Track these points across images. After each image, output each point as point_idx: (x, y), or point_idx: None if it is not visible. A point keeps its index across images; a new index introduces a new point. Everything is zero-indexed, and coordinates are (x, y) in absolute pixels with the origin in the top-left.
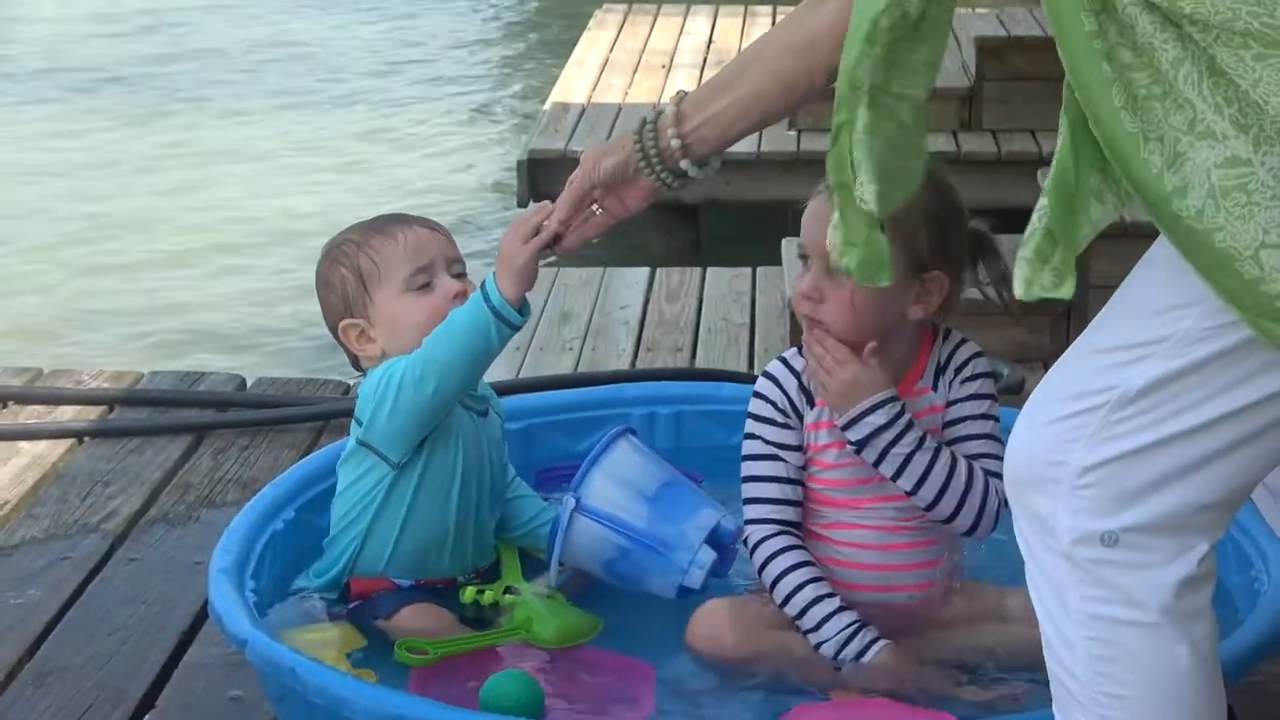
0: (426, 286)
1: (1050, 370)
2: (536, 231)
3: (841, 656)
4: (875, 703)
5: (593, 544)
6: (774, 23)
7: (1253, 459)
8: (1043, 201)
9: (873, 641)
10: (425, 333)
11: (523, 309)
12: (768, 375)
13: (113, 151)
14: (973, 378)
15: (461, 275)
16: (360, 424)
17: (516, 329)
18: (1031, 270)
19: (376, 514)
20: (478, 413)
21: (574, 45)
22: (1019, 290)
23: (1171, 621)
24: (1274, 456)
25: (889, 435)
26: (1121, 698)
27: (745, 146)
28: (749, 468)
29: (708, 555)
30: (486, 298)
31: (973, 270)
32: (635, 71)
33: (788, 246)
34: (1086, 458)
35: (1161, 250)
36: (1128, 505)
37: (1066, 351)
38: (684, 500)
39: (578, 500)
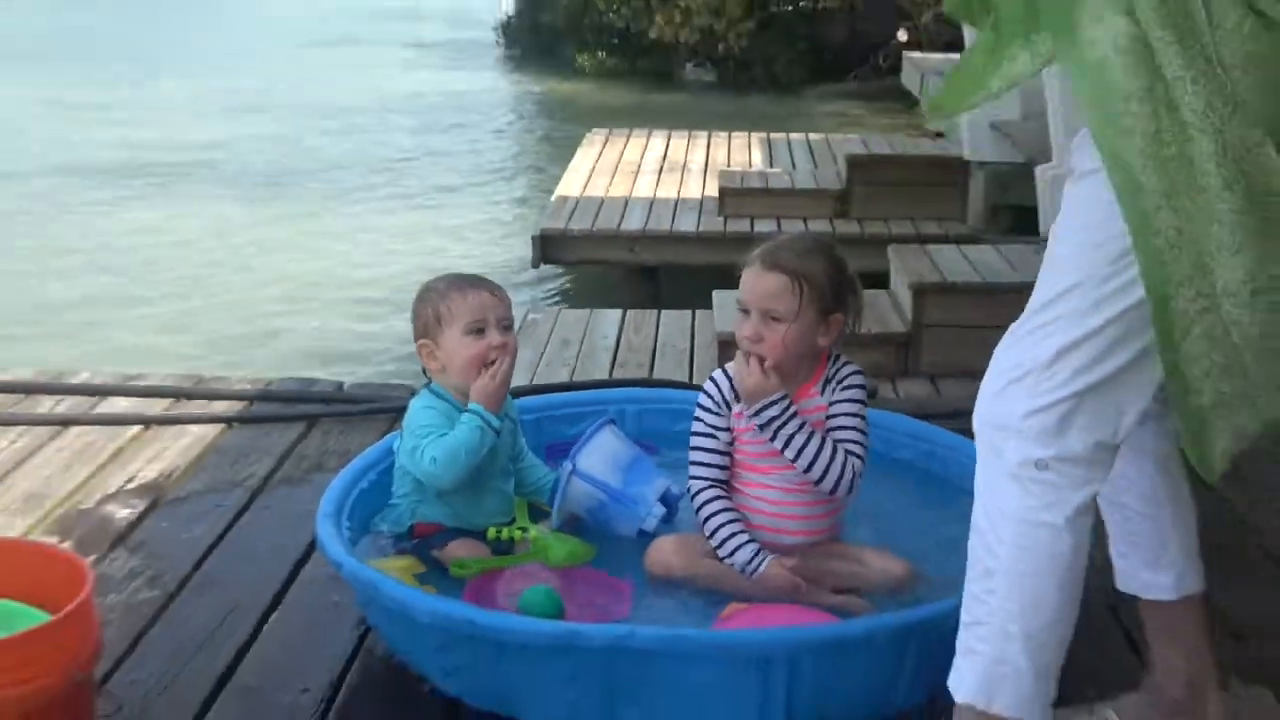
0: (479, 333)
1: (996, 350)
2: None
3: (745, 570)
4: (780, 607)
5: (582, 497)
6: (709, 145)
7: (1132, 397)
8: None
9: (766, 558)
10: (470, 365)
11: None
12: (711, 380)
13: (250, 228)
14: (848, 388)
15: (509, 328)
16: (400, 444)
17: (498, 432)
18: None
19: (418, 488)
20: None
21: (569, 159)
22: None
23: (1070, 529)
24: (1146, 391)
25: (779, 421)
26: (1024, 574)
27: (688, 227)
28: (694, 440)
29: (660, 509)
30: (486, 422)
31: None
32: (614, 175)
33: (718, 296)
34: (1026, 406)
35: (1057, 244)
36: (1054, 441)
37: (1006, 332)
38: (645, 471)
39: (574, 467)
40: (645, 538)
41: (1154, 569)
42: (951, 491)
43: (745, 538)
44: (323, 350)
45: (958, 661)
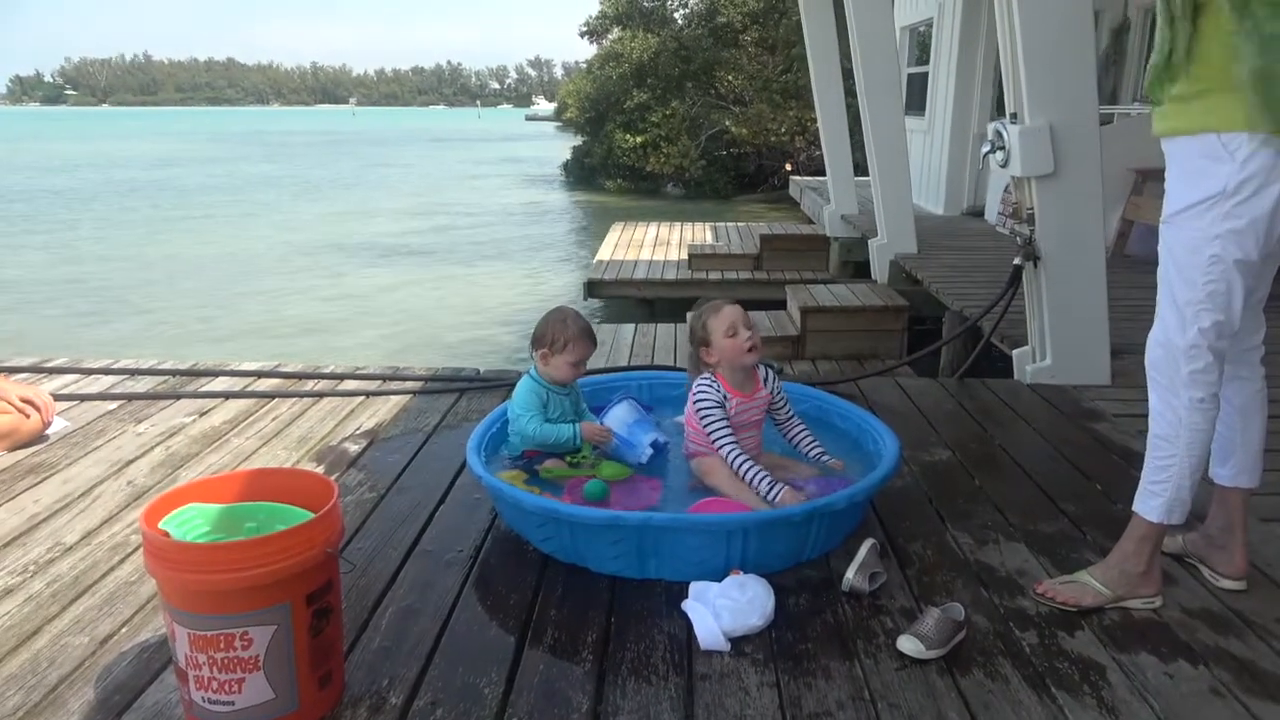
0: (576, 365)
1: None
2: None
3: (768, 496)
4: (724, 501)
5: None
6: (681, 230)
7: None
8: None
9: (776, 481)
10: (564, 376)
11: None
12: (704, 386)
13: (407, 279)
14: (776, 381)
15: (585, 363)
16: (511, 408)
17: (577, 448)
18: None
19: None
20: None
21: (604, 237)
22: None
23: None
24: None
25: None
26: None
27: (671, 276)
28: (715, 425)
29: (649, 451)
30: (574, 439)
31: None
32: (629, 247)
33: (689, 316)
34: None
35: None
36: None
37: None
38: (644, 427)
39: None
40: (643, 466)
41: (1221, 465)
42: (824, 426)
43: (769, 480)
44: (466, 348)
45: (1149, 502)
